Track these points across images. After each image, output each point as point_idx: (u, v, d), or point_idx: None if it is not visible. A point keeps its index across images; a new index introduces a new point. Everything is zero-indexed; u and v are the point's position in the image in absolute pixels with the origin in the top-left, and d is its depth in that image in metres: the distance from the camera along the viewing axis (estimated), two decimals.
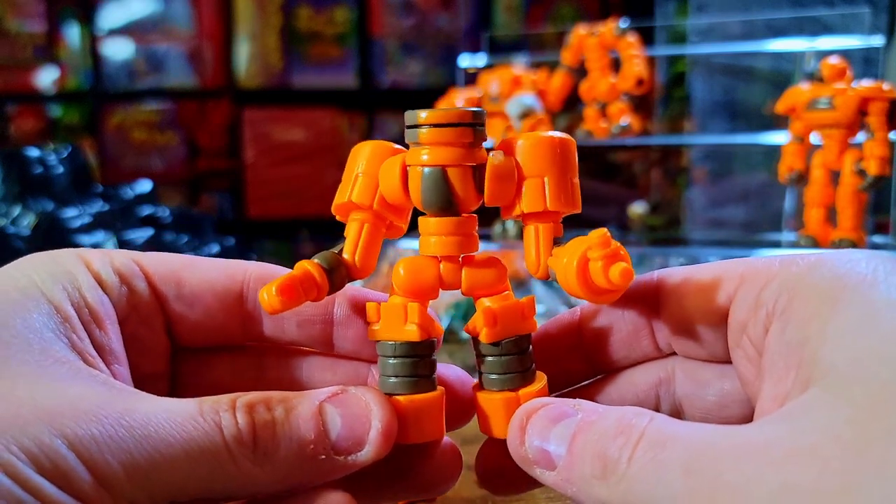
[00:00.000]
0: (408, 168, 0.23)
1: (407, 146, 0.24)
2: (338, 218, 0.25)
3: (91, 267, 0.24)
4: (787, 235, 0.69)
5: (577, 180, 0.24)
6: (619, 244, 0.21)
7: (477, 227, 0.24)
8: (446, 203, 0.23)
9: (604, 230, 0.21)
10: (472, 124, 0.23)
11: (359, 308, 0.26)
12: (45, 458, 0.18)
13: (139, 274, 0.25)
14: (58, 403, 0.19)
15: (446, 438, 0.25)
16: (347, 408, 0.22)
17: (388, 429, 0.22)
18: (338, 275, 0.23)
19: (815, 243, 0.58)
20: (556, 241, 0.24)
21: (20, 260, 0.23)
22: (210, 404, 0.20)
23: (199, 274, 0.25)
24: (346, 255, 0.24)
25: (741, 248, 0.68)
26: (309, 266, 0.23)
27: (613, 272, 0.21)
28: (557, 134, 0.24)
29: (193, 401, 0.20)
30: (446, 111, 0.22)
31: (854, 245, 0.56)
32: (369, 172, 0.24)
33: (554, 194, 0.23)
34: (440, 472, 0.25)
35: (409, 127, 0.23)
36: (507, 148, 0.24)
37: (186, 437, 0.19)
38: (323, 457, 0.21)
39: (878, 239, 0.62)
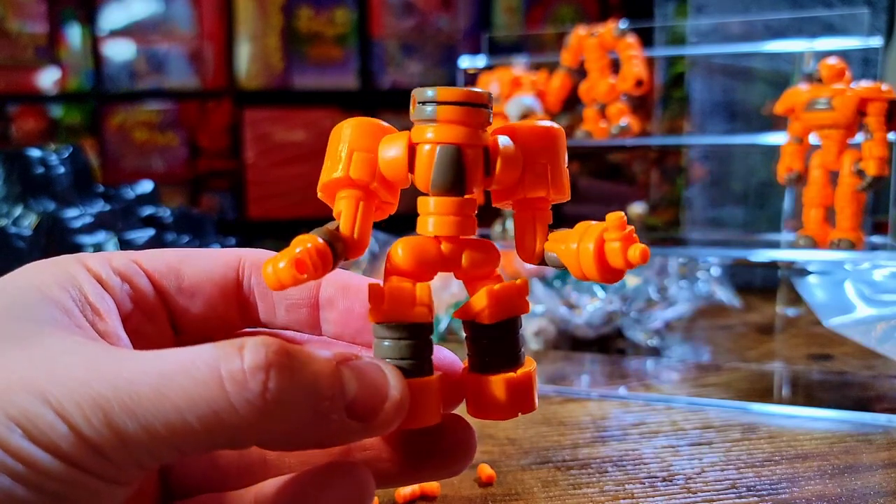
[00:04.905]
0: (415, 146, 0.22)
1: (409, 126, 0.23)
2: (321, 197, 0.24)
3: (90, 269, 0.24)
4: (786, 236, 0.69)
5: (567, 169, 0.24)
6: (632, 227, 0.22)
7: (476, 210, 0.23)
8: (458, 183, 0.22)
9: (620, 213, 0.22)
10: (487, 106, 0.22)
11: (338, 290, 0.26)
12: (33, 426, 0.17)
13: (139, 272, 0.25)
14: (46, 372, 0.18)
15: (457, 414, 0.25)
16: (364, 374, 0.21)
17: (403, 403, 0.21)
18: (338, 250, 0.22)
19: (814, 243, 0.58)
20: (549, 228, 0.24)
21: (21, 268, 0.23)
22: (210, 352, 0.19)
23: (198, 266, 0.26)
24: (344, 231, 0.22)
25: (741, 248, 0.68)
26: (313, 241, 0.21)
27: (633, 252, 0.21)
28: (553, 124, 0.24)
29: (187, 354, 0.19)
30: (465, 91, 0.22)
31: (853, 245, 0.56)
32: (366, 148, 0.23)
33: (554, 182, 0.24)
34: (455, 450, 0.25)
35: (423, 103, 0.22)
36: (510, 135, 0.23)
37: (181, 393, 0.18)
38: (335, 417, 0.20)
39: (876, 239, 0.62)
